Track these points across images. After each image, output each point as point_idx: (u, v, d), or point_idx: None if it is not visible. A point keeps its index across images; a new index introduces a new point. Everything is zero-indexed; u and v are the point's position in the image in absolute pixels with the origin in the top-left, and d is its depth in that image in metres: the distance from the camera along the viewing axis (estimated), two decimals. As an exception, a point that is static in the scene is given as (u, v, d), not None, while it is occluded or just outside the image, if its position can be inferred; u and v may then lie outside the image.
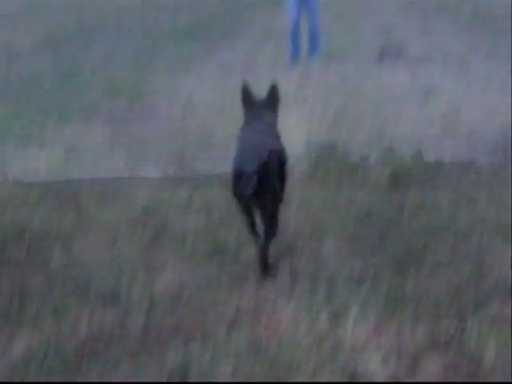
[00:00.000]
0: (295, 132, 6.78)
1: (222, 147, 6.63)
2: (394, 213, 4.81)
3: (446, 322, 3.45)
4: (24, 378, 3.16)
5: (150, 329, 3.52)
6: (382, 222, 4.67)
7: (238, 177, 3.95)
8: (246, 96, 4.61)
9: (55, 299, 3.85)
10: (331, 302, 3.68)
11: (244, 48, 13.37)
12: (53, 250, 4.47)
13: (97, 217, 5.07)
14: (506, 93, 8.07)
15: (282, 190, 4.26)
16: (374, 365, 3.12)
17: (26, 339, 3.44)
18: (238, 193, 4.05)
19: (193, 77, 10.31)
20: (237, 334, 3.42)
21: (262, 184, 3.90)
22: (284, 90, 8.66)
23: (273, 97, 4.65)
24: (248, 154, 4.07)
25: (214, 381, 3.08)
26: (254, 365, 3.15)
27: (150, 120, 7.90)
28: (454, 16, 17.79)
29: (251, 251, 4.23)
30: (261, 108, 4.58)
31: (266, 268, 4.05)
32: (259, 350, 3.27)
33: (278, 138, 4.50)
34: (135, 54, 12.72)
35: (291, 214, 4.83)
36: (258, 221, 4.16)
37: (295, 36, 11.59)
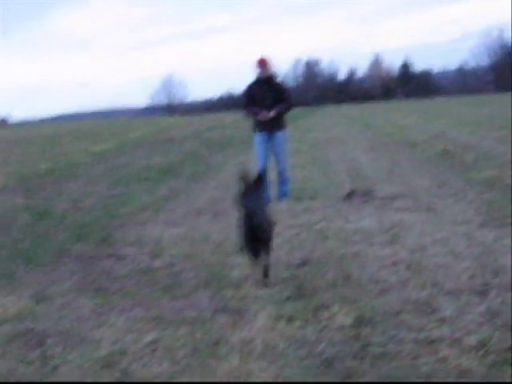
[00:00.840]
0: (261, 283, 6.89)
1: (189, 293, 6.68)
2: (356, 360, 4.81)
3: None
4: None
5: None
6: (343, 370, 4.66)
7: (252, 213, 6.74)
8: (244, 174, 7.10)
9: None
10: None
11: (214, 190, 13.63)
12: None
13: (63, 359, 5.06)
14: (472, 237, 8.21)
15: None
16: None
17: None
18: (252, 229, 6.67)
19: (162, 220, 10.47)
20: None
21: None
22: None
23: (261, 179, 7.15)
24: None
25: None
26: None
27: (118, 264, 7.94)
28: (423, 154, 18.24)
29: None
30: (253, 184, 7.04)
31: (266, 276, 6.74)
32: None
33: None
34: (106, 198, 12.92)
35: (252, 362, 4.82)
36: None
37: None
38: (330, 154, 20.12)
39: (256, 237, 6.70)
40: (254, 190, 6.98)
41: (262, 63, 11.55)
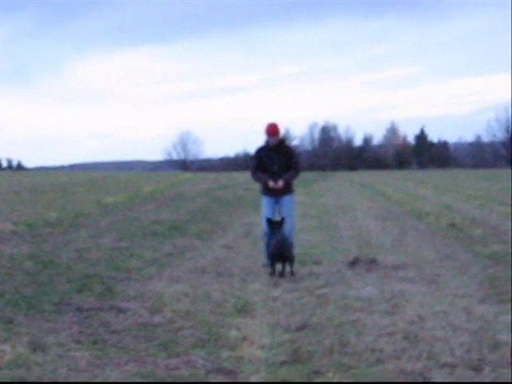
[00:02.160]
0: (258, 341, 6.92)
1: (185, 351, 6.69)
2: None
3: None
4: None
5: None
6: None
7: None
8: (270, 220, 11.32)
9: None
10: None
11: (220, 249, 13.69)
12: None
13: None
14: (472, 311, 8.20)
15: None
16: None
17: None
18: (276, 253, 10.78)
19: (165, 276, 10.51)
20: None
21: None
22: (254, 291, 8.91)
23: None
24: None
25: None
26: None
27: (118, 317, 7.97)
28: (431, 225, 18.28)
29: None
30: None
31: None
32: None
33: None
34: (111, 250, 12.99)
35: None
36: None
37: (268, 245, 11.87)
38: (338, 219, 20.19)
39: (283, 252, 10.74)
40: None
41: (272, 131, 11.68)
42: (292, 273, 10.66)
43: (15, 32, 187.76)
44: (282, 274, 10.59)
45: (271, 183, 11.69)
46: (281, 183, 11.70)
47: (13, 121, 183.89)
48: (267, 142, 11.77)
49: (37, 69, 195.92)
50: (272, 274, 10.64)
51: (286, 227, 11.65)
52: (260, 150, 11.87)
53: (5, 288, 9.37)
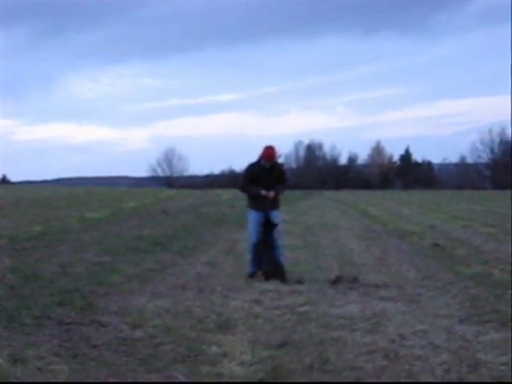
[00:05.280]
0: (239, 358, 6.92)
1: (165, 366, 6.68)
2: None
3: None
4: None
5: None
6: None
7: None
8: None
9: None
10: None
11: (202, 265, 13.69)
12: None
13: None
14: (452, 331, 8.24)
15: None
16: None
17: None
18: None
19: (147, 291, 10.50)
20: None
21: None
22: (236, 308, 8.92)
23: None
24: None
25: None
26: None
27: (99, 332, 7.95)
28: (414, 245, 18.33)
29: None
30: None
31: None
32: None
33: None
34: (94, 265, 12.98)
35: None
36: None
37: (254, 260, 12.03)
38: (322, 238, 20.21)
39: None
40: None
41: (269, 157, 12.07)
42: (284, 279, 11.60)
43: (7, 46, 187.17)
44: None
45: (264, 192, 12.02)
46: (272, 193, 12.07)
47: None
48: (260, 161, 12.00)
49: (26, 83, 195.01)
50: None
51: (277, 238, 11.96)
52: (253, 168, 12.15)
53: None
